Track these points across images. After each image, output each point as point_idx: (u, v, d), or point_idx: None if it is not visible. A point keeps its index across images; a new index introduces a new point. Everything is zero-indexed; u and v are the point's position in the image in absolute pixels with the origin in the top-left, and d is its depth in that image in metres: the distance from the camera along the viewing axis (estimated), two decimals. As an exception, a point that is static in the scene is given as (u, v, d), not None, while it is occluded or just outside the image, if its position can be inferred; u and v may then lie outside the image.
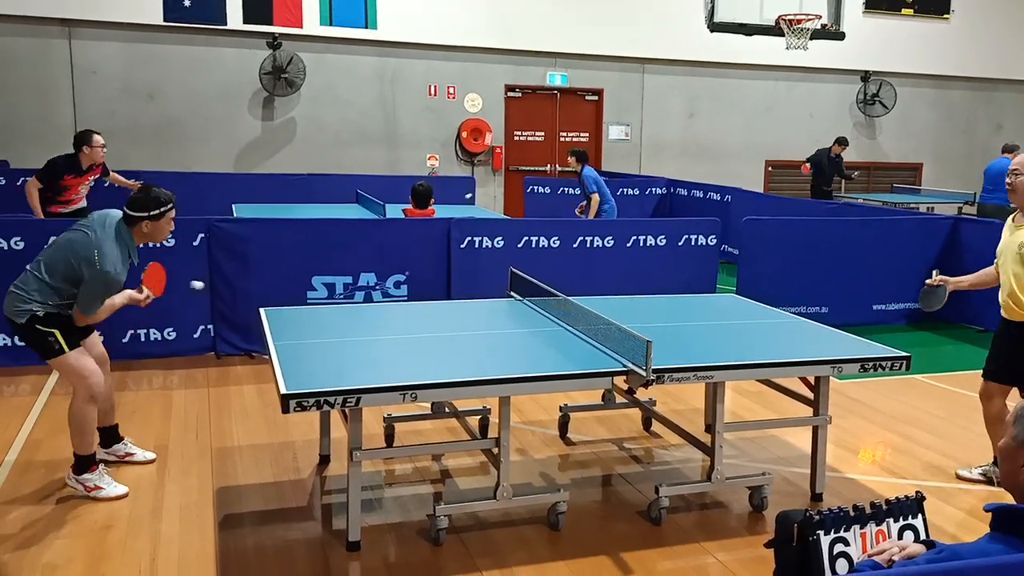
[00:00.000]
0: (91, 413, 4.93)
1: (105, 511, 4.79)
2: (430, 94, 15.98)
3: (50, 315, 4.80)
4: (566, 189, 14.09)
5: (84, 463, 4.96)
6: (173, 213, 5.03)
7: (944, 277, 5.54)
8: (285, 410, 3.90)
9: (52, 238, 5.47)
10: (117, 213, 4.98)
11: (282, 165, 15.07)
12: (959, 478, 5.58)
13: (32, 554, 4.31)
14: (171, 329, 7.67)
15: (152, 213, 4.91)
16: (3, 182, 11.65)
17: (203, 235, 7.65)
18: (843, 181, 16.67)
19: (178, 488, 5.12)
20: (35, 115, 13.81)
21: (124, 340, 7.50)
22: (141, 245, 5.08)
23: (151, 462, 5.45)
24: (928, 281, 5.56)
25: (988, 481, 5.50)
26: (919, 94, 19.26)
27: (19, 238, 7.24)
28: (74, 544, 4.43)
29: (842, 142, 15.89)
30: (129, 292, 5.06)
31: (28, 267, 4.91)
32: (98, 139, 8.97)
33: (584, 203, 11.86)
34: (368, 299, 8.04)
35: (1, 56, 13.59)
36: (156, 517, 4.74)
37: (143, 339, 7.59)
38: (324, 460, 5.56)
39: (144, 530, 4.59)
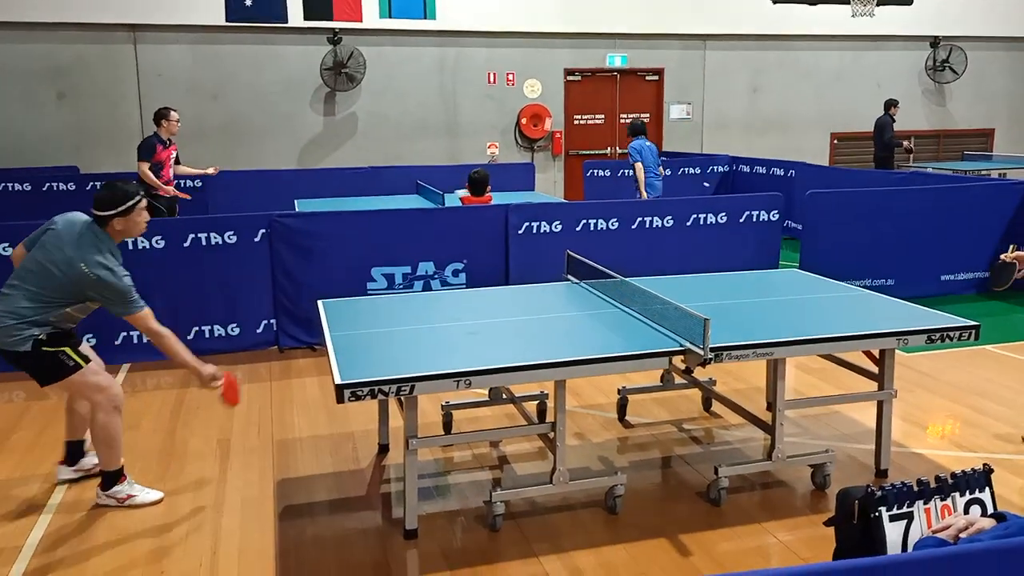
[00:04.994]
0: (118, 424, 4.80)
1: (166, 508, 4.87)
2: (489, 82, 15.97)
3: (52, 335, 4.64)
4: (626, 171, 13.93)
5: (112, 477, 4.87)
6: (143, 204, 4.83)
7: (1020, 253, 5.36)
8: (340, 400, 3.92)
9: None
10: (80, 218, 4.80)
11: (345, 159, 15.19)
12: None
13: (96, 550, 4.41)
14: (235, 325, 7.79)
15: (121, 209, 4.71)
16: (74, 187, 11.92)
17: (264, 231, 7.75)
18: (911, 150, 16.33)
19: (240, 482, 5.20)
20: (104, 120, 14.13)
21: (189, 337, 7.62)
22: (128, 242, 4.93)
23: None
24: (1003, 256, 5.37)
25: None
26: (991, 57, 18.66)
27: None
28: (137, 542, 4.51)
29: (895, 103, 15.55)
30: (207, 368, 4.87)
31: (5, 290, 4.68)
32: (174, 114, 10.38)
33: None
34: (427, 288, 8.07)
35: (71, 64, 13.92)
36: (217, 511, 4.82)
37: (207, 335, 7.72)
38: (383, 449, 5.60)
39: (206, 525, 4.67)
